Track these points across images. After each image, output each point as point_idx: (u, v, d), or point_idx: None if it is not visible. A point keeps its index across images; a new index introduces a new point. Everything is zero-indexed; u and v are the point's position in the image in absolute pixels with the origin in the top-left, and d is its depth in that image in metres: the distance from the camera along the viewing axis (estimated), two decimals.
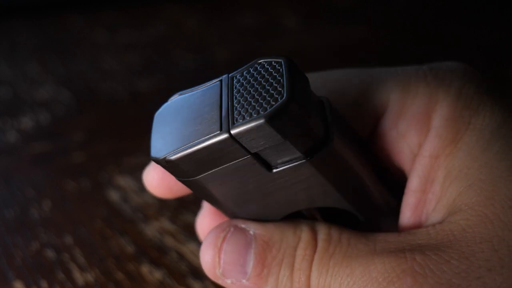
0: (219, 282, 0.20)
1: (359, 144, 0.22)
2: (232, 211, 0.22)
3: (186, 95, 0.21)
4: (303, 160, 0.19)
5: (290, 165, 0.19)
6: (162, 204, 0.39)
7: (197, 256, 0.33)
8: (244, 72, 0.19)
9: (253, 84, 0.18)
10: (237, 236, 0.20)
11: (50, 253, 0.35)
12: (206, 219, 0.25)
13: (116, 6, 0.86)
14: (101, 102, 0.58)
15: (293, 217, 0.22)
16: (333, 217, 0.23)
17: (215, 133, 0.18)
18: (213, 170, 0.19)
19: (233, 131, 0.18)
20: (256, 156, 0.18)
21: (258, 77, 0.19)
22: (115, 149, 0.48)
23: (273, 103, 0.17)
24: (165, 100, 0.22)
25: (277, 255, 0.19)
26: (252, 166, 0.19)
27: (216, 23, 0.80)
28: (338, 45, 0.65)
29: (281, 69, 0.19)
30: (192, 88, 0.21)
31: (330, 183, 0.20)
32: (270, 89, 0.18)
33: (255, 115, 0.17)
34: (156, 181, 0.24)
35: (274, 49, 0.68)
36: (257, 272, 0.19)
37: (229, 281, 0.19)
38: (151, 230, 0.36)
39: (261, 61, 0.19)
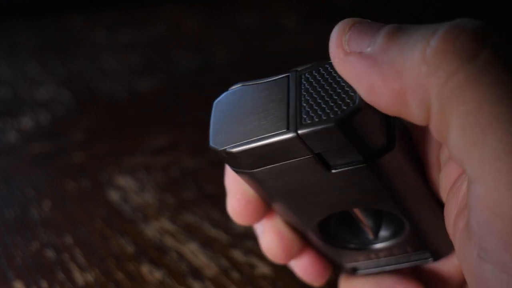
0: (342, 59, 0.17)
1: (412, 149, 0.22)
2: (280, 205, 0.22)
3: (250, 86, 0.20)
4: (364, 164, 0.18)
5: (350, 167, 0.19)
6: (162, 204, 0.39)
7: (197, 256, 0.33)
8: (313, 71, 0.19)
9: (323, 84, 0.18)
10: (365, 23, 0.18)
11: (50, 253, 0.35)
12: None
13: (116, 6, 0.86)
14: (101, 102, 0.58)
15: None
16: (376, 218, 0.23)
17: (281, 131, 0.18)
18: (272, 166, 0.19)
19: (300, 131, 0.17)
20: (318, 156, 0.18)
21: (329, 78, 0.18)
22: (115, 149, 0.48)
23: (344, 107, 0.17)
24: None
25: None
26: (311, 165, 0.19)
27: (216, 23, 0.80)
28: None
29: None
30: (256, 80, 0.20)
31: (386, 188, 0.20)
32: (341, 93, 0.18)
33: (324, 118, 0.17)
34: (239, 209, 0.24)
35: (274, 49, 0.68)
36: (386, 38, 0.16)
37: (353, 55, 0.17)
38: (151, 230, 0.36)
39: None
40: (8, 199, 0.41)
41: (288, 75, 0.19)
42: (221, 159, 0.20)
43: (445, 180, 0.20)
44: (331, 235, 0.24)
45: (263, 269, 0.32)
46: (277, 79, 0.19)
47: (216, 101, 0.21)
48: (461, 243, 0.17)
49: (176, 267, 0.33)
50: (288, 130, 0.18)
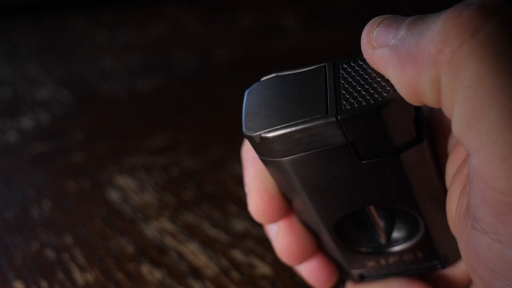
0: (370, 54, 0.18)
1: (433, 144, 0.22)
2: (302, 200, 0.22)
3: (285, 75, 0.20)
4: (394, 155, 0.18)
5: (380, 158, 0.19)
6: (162, 204, 0.39)
7: (197, 256, 0.33)
8: (351, 62, 0.19)
9: (362, 74, 0.18)
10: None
11: (50, 253, 0.35)
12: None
13: (116, 6, 0.86)
14: (101, 102, 0.58)
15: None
16: (390, 221, 0.23)
17: (320, 115, 0.18)
18: (303, 154, 0.19)
19: (340, 116, 0.17)
20: (352, 144, 0.18)
21: (368, 68, 0.18)
22: (115, 149, 0.48)
23: (385, 94, 0.17)
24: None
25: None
26: (343, 154, 0.19)
27: (216, 23, 0.80)
28: (338, 45, 0.65)
29: None
30: (290, 70, 0.20)
31: (410, 182, 0.20)
32: (381, 81, 0.18)
33: (365, 104, 0.17)
34: (262, 206, 0.23)
35: (274, 49, 0.68)
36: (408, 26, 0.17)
37: (379, 49, 0.18)
38: (151, 230, 0.36)
39: None
40: (8, 199, 0.41)
41: (325, 65, 0.19)
42: (253, 147, 0.20)
43: (450, 168, 0.20)
44: (344, 236, 0.23)
45: (263, 269, 0.32)
46: (313, 68, 0.19)
47: (248, 90, 0.21)
48: (460, 218, 0.17)
49: (176, 267, 0.33)
50: (328, 115, 0.18)
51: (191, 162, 0.44)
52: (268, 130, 0.19)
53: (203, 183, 0.41)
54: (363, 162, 0.19)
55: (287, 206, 0.24)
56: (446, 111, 0.16)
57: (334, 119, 0.18)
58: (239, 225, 0.35)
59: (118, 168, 0.44)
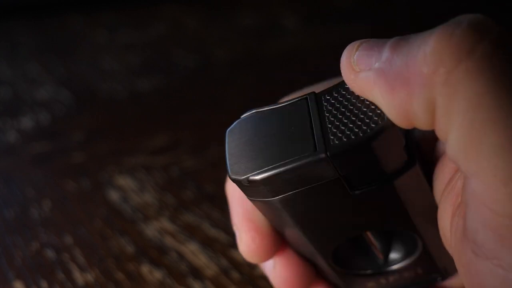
0: (353, 80, 0.18)
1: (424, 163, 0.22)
2: (295, 233, 0.21)
3: (265, 111, 0.19)
4: (388, 183, 0.18)
5: (374, 187, 0.18)
6: (162, 204, 0.39)
7: (197, 256, 0.33)
8: (334, 92, 0.18)
9: (346, 104, 0.18)
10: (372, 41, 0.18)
11: (50, 253, 0.35)
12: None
13: (116, 6, 0.86)
14: (101, 102, 0.58)
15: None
16: (387, 241, 0.23)
17: (309, 153, 0.17)
18: (294, 192, 0.18)
19: (330, 152, 0.17)
20: (344, 177, 0.18)
21: (351, 98, 0.18)
22: (115, 149, 0.48)
23: (373, 125, 0.17)
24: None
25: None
26: (336, 187, 0.18)
27: (216, 23, 0.80)
28: (338, 45, 0.65)
29: None
30: (270, 105, 0.19)
31: (406, 205, 0.19)
32: (368, 110, 0.17)
33: (353, 137, 0.17)
34: (254, 247, 0.23)
35: (274, 49, 0.68)
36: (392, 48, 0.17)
37: (363, 73, 0.17)
38: (151, 230, 0.36)
39: None
40: (8, 199, 0.41)
41: (306, 97, 0.19)
42: (241, 189, 0.19)
43: (438, 184, 0.20)
44: (342, 261, 0.23)
45: None
46: (294, 101, 0.19)
47: (228, 130, 0.20)
48: (456, 241, 0.17)
49: (176, 267, 0.33)
50: (316, 152, 0.17)
51: (191, 162, 0.44)
52: (255, 172, 0.18)
53: (203, 183, 0.41)
54: (356, 192, 0.18)
55: (280, 241, 0.23)
56: (441, 133, 0.16)
57: (324, 156, 0.17)
58: None
59: (118, 168, 0.44)
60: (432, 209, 0.20)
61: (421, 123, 0.16)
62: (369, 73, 0.17)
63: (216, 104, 0.55)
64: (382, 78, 0.16)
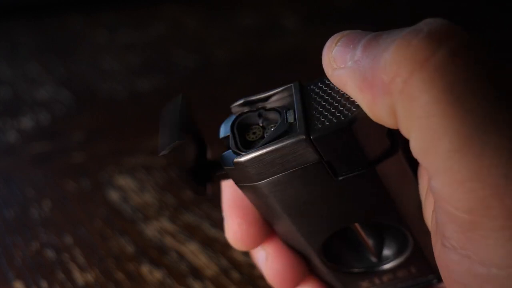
0: (331, 76, 0.19)
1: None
2: (284, 222, 0.21)
3: (253, 99, 0.20)
4: (370, 168, 0.18)
5: (356, 172, 0.19)
6: (162, 204, 0.39)
7: (197, 256, 0.33)
8: (318, 83, 0.19)
9: (330, 93, 0.19)
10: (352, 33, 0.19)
11: (50, 253, 0.35)
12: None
13: (116, 6, 0.86)
14: (101, 102, 0.58)
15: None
16: (379, 239, 0.23)
17: (291, 135, 0.18)
18: (279, 175, 0.19)
19: (312, 135, 0.18)
20: (327, 162, 0.18)
21: (335, 87, 0.19)
22: (115, 149, 0.48)
23: (354, 110, 0.18)
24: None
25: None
26: (319, 172, 0.19)
27: (216, 23, 0.80)
28: None
29: None
30: (258, 94, 0.20)
31: (391, 195, 0.20)
32: (350, 99, 0.18)
33: (335, 121, 0.17)
34: (240, 234, 0.23)
35: (274, 49, 0.68)
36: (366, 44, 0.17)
37: (338, 70, 0.18)
38: (151, 230, 0.36)
39: None
40: (8, 199, 0.41)
41: (291, 85, 0.19)
42: (229, 175, 0.20)
43: (422, 179, 0.20)
44: (334, 258, 0.23)
45: None
46: (280, 90, 0.20)
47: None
48: (433, 234, 0.18)
49: (176, 267, 0.33)
50: (299, 133, 0.18)
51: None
52: (241, 155, 0.19)
53: None
54: (340, 178, 0.19)
55: (267, 231, 0.23)
56: (405, 135, 0.16)
57: (306, 137, 0.18)
58: None
59: (118, 168, 0.44)
60: (420, 203, 0.21)
61: (388, 124, 0.17)
62: (342, 72, 0.18)
63: (216, 104, 0.55)
64: (352, 78, 0.17)
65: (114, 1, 0.87)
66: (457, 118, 0.15)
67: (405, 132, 0.16)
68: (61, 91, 0.61)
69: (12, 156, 0.48)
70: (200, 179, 0.21)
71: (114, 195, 0.40)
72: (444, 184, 0.15)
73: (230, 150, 0.20)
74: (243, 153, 0.19)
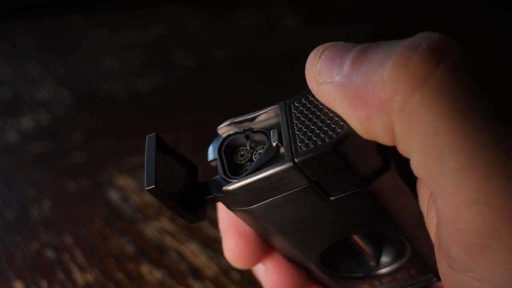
0: (316, 91, 0.18)
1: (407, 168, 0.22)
2: (280, 240, 0.21)
3: (238, 121, 0.20)
4: (362, 188, 0.18)
5: (349, 192, 0.18)
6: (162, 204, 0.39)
7: (197, 256, 0.33)
8: (302, 99, 0.19)
9: (314, 111, 0.18)
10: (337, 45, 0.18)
11: (50, 253, 0.35)
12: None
13: (116, 6, 0.86)
14: (101, 102, 0.58)
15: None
16: (377, 244, 0.23)
17: (277, 162, 0.18)
18: (270, 200, 0.18)
19: (297, 159, 0.17)
20: (316, 183, 0.18)
21: (319, 104, 0.18)
22: (115, 149, 0.48)
23: (339, 130, 0.17)
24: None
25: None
26: (310, 194, 0.18)
27: (216, 23, 0.80)
28: None
29: None
30: (243, 116, 0.20)
31: (385, 210, 0.19)
32: (334, 117, 0.17)
33: (320, 143, 0.17)
34: (238, 253, 0.23)
35: (274, 49, 0.68)
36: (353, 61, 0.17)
37: (324, 85, 0.17)
38: (151, 230, 0.36)
39: None
40: (8, 199, 0.41)
41: (277, 106, 0.19)
42: (220, 200, 0.20)
43: (422, 192, 0.20)
44: (333, 266, 0.23)
45: None
46: (266, 111, 0.19)
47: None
48: (437, 250, 0.17)
49: (176, 267, 0.33)
50: (286, 160, 0.17)
51: None
52: (229, 183, 0.18)
53: None
54: (332, 198, 0.19)
55: (266, 248, 0.23)
56: (403, 153, 0.16)
57: (292, 164, 0.17)
58: None
59: (118, 168, 0.44)
60: (418, 213, 0.20)
61: (381, 141, 0.16)
62: (330, 86, 0.17)
63: (216, 104, 0.55)
64: (342, 93, 0.16)
65: (114, 1, 0.87)
66: (463, 136, 0.14)
67: (404, 150, 0.16)
68: (61, 91, 0.61)
69: (12, 156, 0.48)
70: (191, 206, 0.20)
71: (114, 195, 0.40)
72: (449, 205, 0.15)
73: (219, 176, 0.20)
74: (232, 181, 0.18)
